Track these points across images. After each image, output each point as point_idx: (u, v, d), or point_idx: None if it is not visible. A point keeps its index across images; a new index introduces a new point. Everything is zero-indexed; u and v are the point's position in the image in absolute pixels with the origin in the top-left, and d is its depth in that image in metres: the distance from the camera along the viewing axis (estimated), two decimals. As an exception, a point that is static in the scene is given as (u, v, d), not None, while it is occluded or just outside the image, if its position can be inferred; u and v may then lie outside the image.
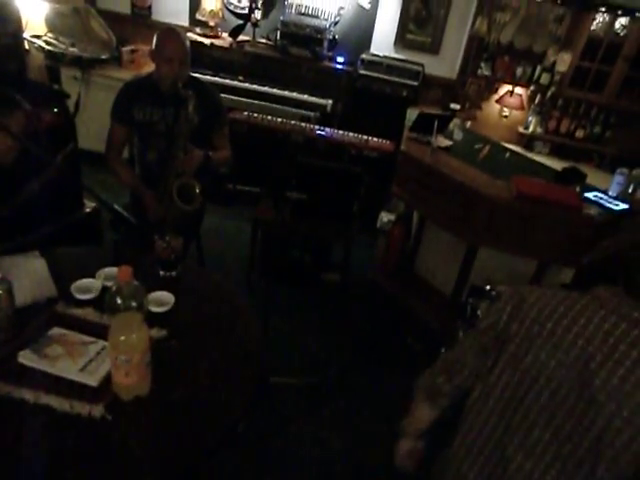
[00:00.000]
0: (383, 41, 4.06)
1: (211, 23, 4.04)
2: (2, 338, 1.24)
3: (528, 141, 4.03)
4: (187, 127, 2.08)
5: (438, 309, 2.84)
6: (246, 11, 4.01)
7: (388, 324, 2.93)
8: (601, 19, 3.60)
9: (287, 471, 1.99)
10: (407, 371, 2.59)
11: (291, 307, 2.88)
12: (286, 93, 3.82)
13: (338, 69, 3.96)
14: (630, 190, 2.71)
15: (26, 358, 1.19)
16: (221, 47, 3.96)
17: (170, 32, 2.13)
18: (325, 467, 2.02)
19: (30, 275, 1.42)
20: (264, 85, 3.84)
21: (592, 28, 3.63)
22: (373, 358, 2.65)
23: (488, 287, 2.31)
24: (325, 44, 3.87)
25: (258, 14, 3.99)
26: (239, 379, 1.28)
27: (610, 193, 2.65)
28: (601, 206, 2.45)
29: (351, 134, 3.40)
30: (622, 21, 3.58)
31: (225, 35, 4.08)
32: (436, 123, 2.74)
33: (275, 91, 3.83)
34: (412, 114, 3.36)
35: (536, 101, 3.93)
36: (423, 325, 2.82)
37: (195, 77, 2.34)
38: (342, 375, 2.49)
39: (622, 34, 3.62)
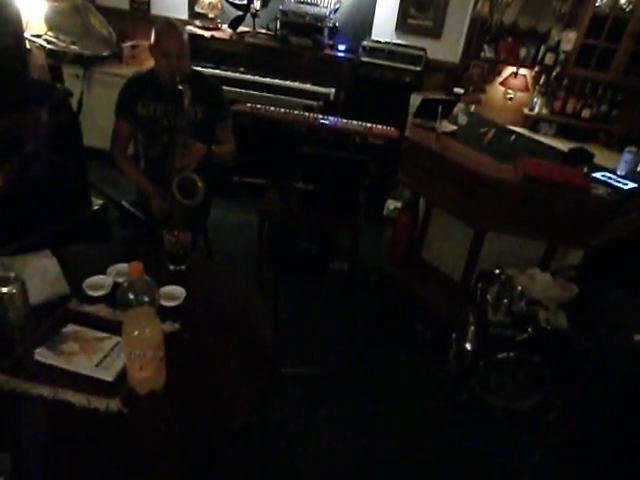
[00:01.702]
0: (384, 27, 4.01)
1: (210, 15, 4.02)
2: (18, 336, 1.25)
3: (534, 123, 3.99)
4: (184, 122, 2.07)
5: (447, 295, 2.85)
6: (245, 2, 3.97)
7: (397, 312, 2.94)
8: (606, -5, 3.54)
9: (299, 462, 2.00)
10: (418, 358, 2.61)
11: (300, 298, 2.90)
12: (288, 83, 3.80)
13: (340, 57, 3.93)
14: (639, 168, 2.68)
15: (42, 355, 1.21)
16: (221, 39, 3.94)
17: (167, 26, 2.11)
18: (338, 457, 2.04)
19: (42, 274, 1.44)
20: (266, 76, 3.82)
21: (597, 4, 3.56)
22: (383, 346, 2.66)
23: (497, 271, 2.31)
24: (326, 32, 3.84)
25: (257, 4, 3.96)
26: (251, 371, 1.30)
27: (618, 172, 2.62)
28: (610, 186, 2.42)
29: (355, 122, 3.38)
30: (627, -4, 3.52)
31: (225, 27, 4.06)
32: (440, 108, 2.72)
33: (277, 81, 3.81)
34: (416, 100, 3.33)
35: (541, 82, 3.88)
36: (432, 312, 2.82)
37: (197, 70, 2.34)
38: (353, 364, 2.51)
39: (628, 10, 3.55)
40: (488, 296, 2.25)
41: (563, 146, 3.06)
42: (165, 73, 2.10)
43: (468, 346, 2.30)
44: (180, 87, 2.01)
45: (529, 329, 2.13)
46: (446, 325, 2.58)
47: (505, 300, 2.18)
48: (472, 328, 2.30)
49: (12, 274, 1.24)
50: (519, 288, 2.19)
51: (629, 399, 2.44)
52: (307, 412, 2.20)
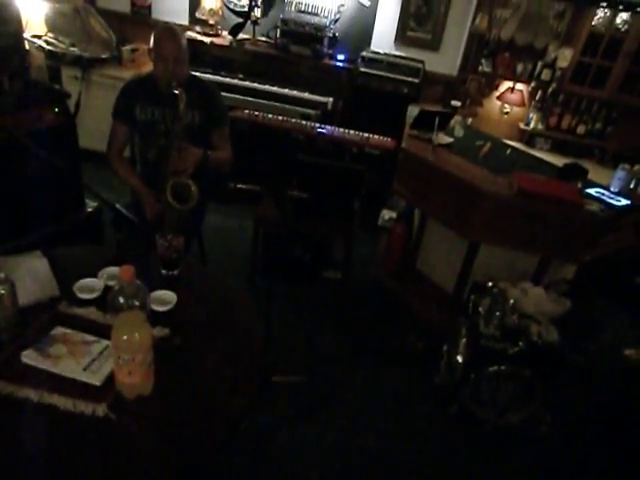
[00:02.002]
0: (383, 38, 4.05)
1: (211, 21, 4.04)
2: (5, 338, 1.24)
3: (529, 137, 4.02)
4: (179, 126, 2.07)
5: (440, 306, 2.84)
6: (246, 9, 4.00)
7: (390, 322, 2.93)
8: (602, 14, 3.59)
9: (289, 469, 1.99)
10: (409, 368, 2.60)
11: (293, 305, 2.89)
12: (286, 91, 3.82)
13: (338, 67, 3.95)
14: (632, 185, 2.70)
15: (29, 358, 1.19)
16: (221, 45, 3.96)
17: (166, 30, 2.12)
18: (327, 465, 2.03)
19: (33, 275, 1.43)
20: (264, 83, 3.84)
21: (593, 23, 3.62)
22: (375, 356, 2.65)
23: (490, 284, 2.31)
24: (325, 42, 3.87)
25: (258, 12, 3.99)
26: (241, 378, 1.29)
27: (612, 189, 2.64)
28: (603, 202, 2.44)
29: (352, 132, 3.40)
30: (623, 16, 3.57)
31: (225, 33, 4.08)
32: (437, 120, 2.74)
33: (275, 89, 3.82)
34: (413, 111, 3.35)
35: (537, 97, 3.92)
36: (425, 322, 2.82)
37: (196, 76, 2.34)
38: (344, 373, 2.50)
39: (623, 29, 3.61)
40: (480, 308, 2.25)
41: (558, 161, 3.08)
42: (162, 77, 2.10)
43: (459, 358, 2.30)
44: (176, 91, 2.02)
45: (520, 343, 2.13)
46: (438, 336, 2.58)
47: (497, 313, 2.18)
48: (464, 340, 2.30)
49: (1, 274, 1.23)
50: (511, 301, 2.20)
51: (618, 413, 2.44)
52: (298, 420, 2.19)
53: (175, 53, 2.07)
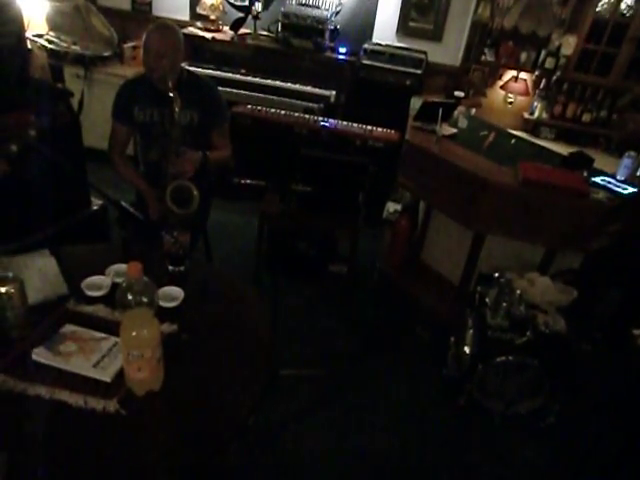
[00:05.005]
0: (385, 30, 4.02)
1: (212, 17, 4.03)
2: (16, 336, 1.25)
3: (534, 127, 3.99)
4: (176, 130, 2.06)
5: (446, 298, 2.84)
6: (247, 3, 3.98)
7: (396, 314, 2.94)
8: (606, 0, 3.55)
9: (298, 464, 2.00)
10: (416, 360, 2.60)
11: (299, 300, 2.89)
12: (289, 85, 3.81)
13: (340, 59, 3.93)
14: (638, 173, 2.68)
15: (40, 355, 1.21)
16: (222, 41, 3.95)
17: (156, 26, 2.11)
18: (336, 459, 2.04)
19: (41, 273, 1.44)
20: (267, 78, 3.83)
21: (597, 9, 3.57)
22: (382, 348, 2.66)
23: (496, 275, 2.31)
24: (327, 35, 3.84)
25: (259, 6, 3.97)
26: (250, 372, 1.29)
27: (618, 177, 2.62)
28: (609, 190, 2.43)
29: (355, 125, 3.37)
30: (628, 1, 3.53)
31: (226, 28, 4.07)
32: (440, 111, 2.72)
33: (278, 83, 3.81)
34: (416, 103, 3.33)
35: (541, 86, 3.89)
36: (431, 314, 2.82)
37: (193, 73, 2.32)
38: (351, 366, 2.50)
39: (628, 15, 3.56)
40: (487, 299, 2.25)
41: (563, 150, 3.06)
42: (150, 72, 2.09)
43: (467, 349, 2.30)
44: (171, 94, 2.01)
45: (528, 333, 2.13)
46: (445, 328, 2.58)
47: (504, 303, 2.18)
48: (471, 331, 2.30)
49: (10, 274, 1.24)
50: (518, 292, 2.19)
51: (627, 402, 2.44)
52: (306, 413, 2.20)
53: (158, 46, 2.04)
